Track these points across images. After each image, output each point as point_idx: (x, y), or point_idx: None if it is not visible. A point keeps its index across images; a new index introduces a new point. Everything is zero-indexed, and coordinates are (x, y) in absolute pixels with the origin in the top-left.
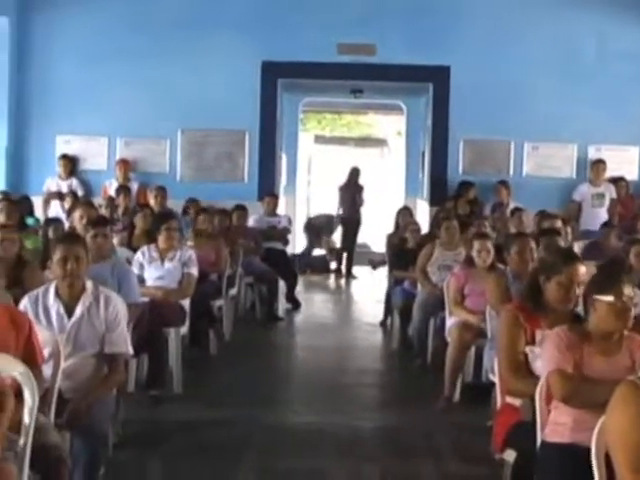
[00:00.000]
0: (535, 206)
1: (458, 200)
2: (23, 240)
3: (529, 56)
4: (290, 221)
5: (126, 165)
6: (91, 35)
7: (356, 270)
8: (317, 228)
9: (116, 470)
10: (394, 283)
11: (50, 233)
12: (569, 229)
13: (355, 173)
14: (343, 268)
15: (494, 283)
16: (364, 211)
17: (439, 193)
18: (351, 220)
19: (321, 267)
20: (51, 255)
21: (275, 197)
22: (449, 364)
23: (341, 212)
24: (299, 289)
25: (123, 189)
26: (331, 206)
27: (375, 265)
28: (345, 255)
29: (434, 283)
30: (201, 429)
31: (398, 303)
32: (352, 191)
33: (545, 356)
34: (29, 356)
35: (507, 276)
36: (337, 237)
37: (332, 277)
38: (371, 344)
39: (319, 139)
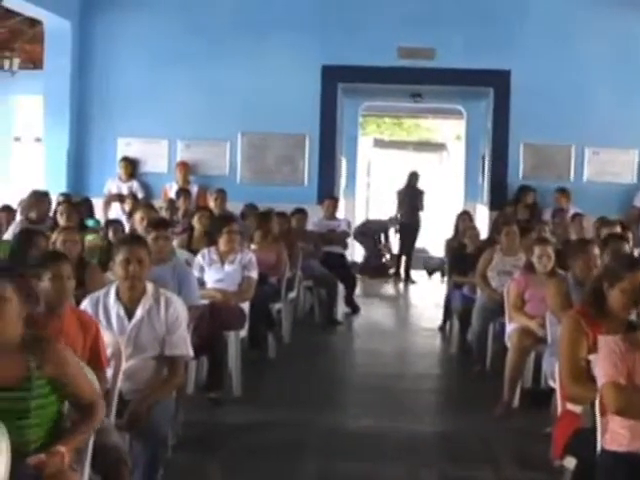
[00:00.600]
0: (595, 212)
1: (517, 205)
2: (84, 242)
3: (590, 60)
4: (349, 225)
5: (186, 168)
6: (152, 38)
7: (414, 274)
8: (371, 233)
9: (175, 472)
10: (453, 288)
11: (110, 235)
12: (630, 235)
13: (414, 177)
14: (402, 272)
15: (555, 289)
16: (424, 216)
17: (499, 198)
18: (410, 225)
19: (379, 271)
20: (113, 256)
21: (335, 200)
22: (508, 370)
23: (399, 216)
24: (358, 293)
25: (183, 192)
26: (389, 210)
27: (431, 271)
28: (404, 259)
29: (494, 288)
30: (260, 431)
31: (457, 308)
32: (411, 195)
33: (599, 367)
34: (94, 359)
35: (568, 282)
36: (394, 241)
37: (391, 281)
38: (430, 349)
39: (378, 143)
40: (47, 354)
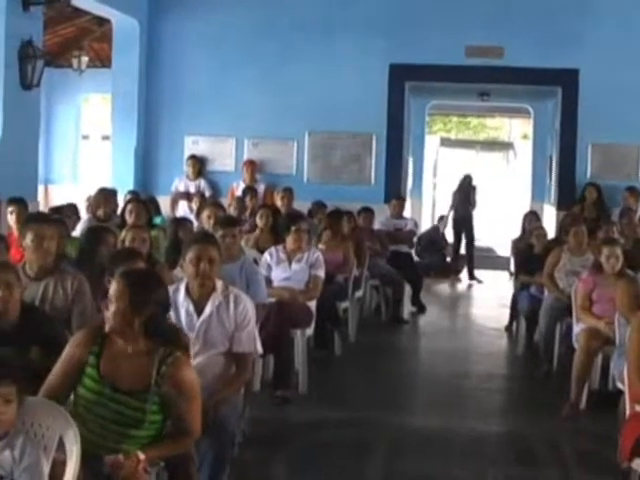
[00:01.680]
0: None
1: (584, 203)
2: (153, 240)
3: None
4: (416, 224)
5: (253, 166)
6: (219, 38)
7: (480, 274)
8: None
9: (241, 469)
10: (520, 288)
11: (180, 233)
12: None
13: (467, 180)
14: (465, 272)
15: (624, 289)
16: (477, 212)
17: (567, 198)
18: (463, 218)
19: (445, 271)
20: (183, 254)
21: (402, 200)
22: (576, 371)
23: (453, 211)
24: (423, 292)
25: (249, 190)
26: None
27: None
28: (463, 256)
29: (561, 288)
30: (326, 429)
31: (524, 308)
32: (465, 192)
33: None
34: None
35: (637, 283)
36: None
37: (456, 281)
38: (496, 349)
39: (445, 142)
40: (171, 373)
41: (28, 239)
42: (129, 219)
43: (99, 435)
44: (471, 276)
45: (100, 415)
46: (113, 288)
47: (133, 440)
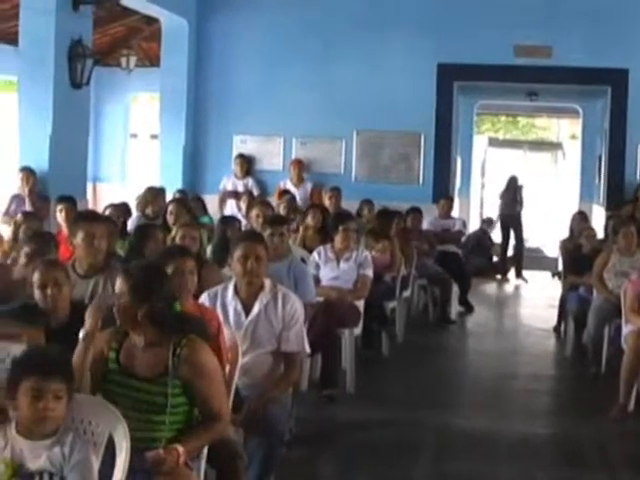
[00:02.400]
0: None
1: (636, 204)
2: (202, 238)
3: None
4: (464, 224)
5: (300, 165)
6: (268, 37)
7: (528, 275)
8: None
9: (289, 468)
10: (569, 289)
11: (229, 232)
12: None
13: (513, 182)
14: (513, 272)
15: None
16: (525, 211)
17: (616, 198)
18: (510, 216)
19: (492, 271)
20: (230, 253)
21: (450, 200)
22: (624, 372)
23: (500, 209)
24: (471, 292)
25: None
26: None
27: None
28: (512, 255)
29: (610, 289)
30: (373, 429)
31: (573, 309)
32: (512, 193)
33: None
34: (216, 355)
35: None
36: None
37: (503, 281)
38: (544, 350)
39: (493, 142)
40: (187, 355)
41: (79, 237)
42: (170, 220)
43: (131, 427)
44: (518, 275)
45: (125, 407)
46: (116, 286)
47: (162, 427)
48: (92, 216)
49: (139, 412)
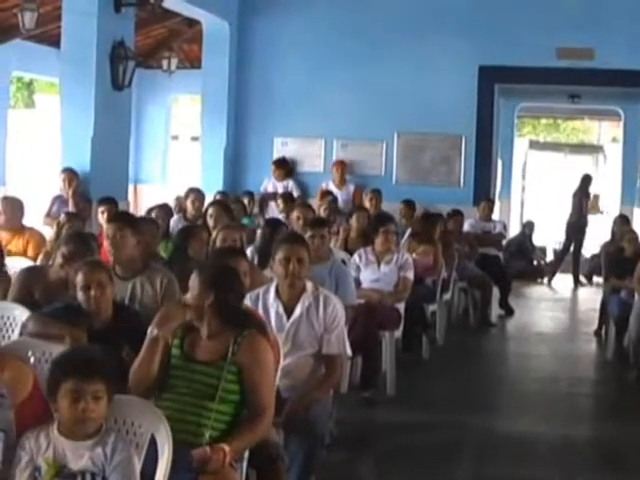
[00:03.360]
0: None
1: None
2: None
3: None
4: (505, 227)
5: (343, 167)
6: (309, 40)
7: (566, 278)
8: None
9: (329, 470)
10: (610, 292)
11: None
12: None
13: (587, 180)
14: (556, 275)
15: None
16: (590, 219)
17: None
18: (574, 225)
19: (534, 274)
20: (272, 255)
21: (491, 202)
22: None
23: (568, 218)
24: (512, 295)
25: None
26: (546, 212)
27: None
28: (569, 261)
29: None
30: (413, 432)
31: (614, 313)
32: (579, 197)
33: None
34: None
35: None
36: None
37: (544, 284)
38: (585, 353)
39: (534, 145)
40: (247, 343)
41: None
42: (210, 222)
43: (178, 416)
44: (576, 281)
45: (179, 392)
46: (190, 280)
47: (211, 414)
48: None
49: (191, 396)
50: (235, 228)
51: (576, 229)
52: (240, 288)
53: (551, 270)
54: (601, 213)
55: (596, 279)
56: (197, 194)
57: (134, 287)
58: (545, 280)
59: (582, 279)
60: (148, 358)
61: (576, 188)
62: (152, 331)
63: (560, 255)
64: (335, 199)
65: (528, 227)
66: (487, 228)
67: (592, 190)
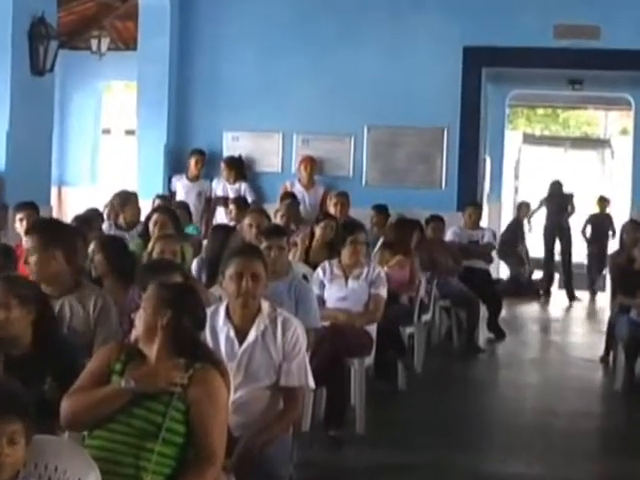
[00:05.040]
0: None
1: None
2: (185, 252)
3: None
4: (495, 235)
5: (312, 164)
6: (267, 19)
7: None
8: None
9: None
10: (618, 311)
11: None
12: None
13: (557, 187)
14: (553, 290)
15: None
16: (572, 220)
17: None
18: (559, 229)
19: (527, 291)
20: (221, 269)
21: (478, 207)
22: None
23: (545, 222)
24: (503, 315)
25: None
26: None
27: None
28: (559, 274)
29: None
30: (387, 476)
31: (623, 335)
32: (557, 200)
33: None
34: None
35: None
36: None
37: (541, 302)
38: (589, 383)
39: (528, 139)
40: (199, 377)
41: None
42: (153, 230)
43: (113, 458)
44: (571, 296)
45: (115, 429)
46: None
47: (153, 457)
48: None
49: (130, 435)
50: (175, 238)
51: (560, 233)
52: (201, 314)
53: (545, 284)
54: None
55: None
56: (127, 198)
57: (62, 308)
58: (547, 296)
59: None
60: (105, 407)
61: (543, 198)
62: (128, 382)
63: (546, 265)
64: (296, 202)
65: (523, 211)
66: (474, 237)
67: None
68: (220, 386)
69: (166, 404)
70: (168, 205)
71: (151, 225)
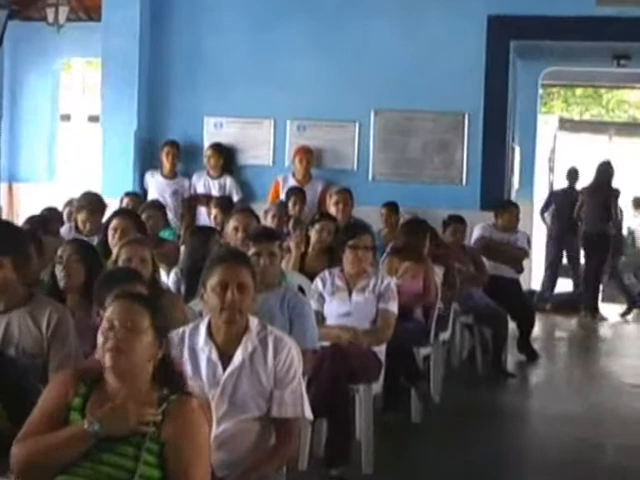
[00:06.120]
0: None
1: None
2: (157, 261)
3: None
4: (529, 241)
5: (308, 155)
6: None
7: (614, 308)
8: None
9: None
10: None
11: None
12: None
13: (606, 170)
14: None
15: None
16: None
17: None
18: (596, 235)
19: (566, 303)
20: (202, 279)
21: (515, 208)
22: None
23: (582, 224)
24: (536, 334)
25: (295, 193)
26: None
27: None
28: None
29: None
30: None
31: None
32: (602, 196)
33: None
34: None
35: None
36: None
37: (581, 317)
38: (637, 412)
39: (566, 124)
40: (175, 411)
41: None
42: (112, 239)
43: None
44: (594, 311)
45: (83, 475)
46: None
47: None
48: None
49: None
50: (144, 243)
51: (599, 240)
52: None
53: (590, 298)
54: None
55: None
56: (94, 200)
57: (9, 324)
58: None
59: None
60: (65, 454)
61: (590, 182)
62: (92, 425)
63: (586, 279)
64: (302, 196)
65: (571, 177)
66: (505, 241)
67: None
68: (199, 419)
69: (137, 446)
70: (137, 205)
71: (110, 232)
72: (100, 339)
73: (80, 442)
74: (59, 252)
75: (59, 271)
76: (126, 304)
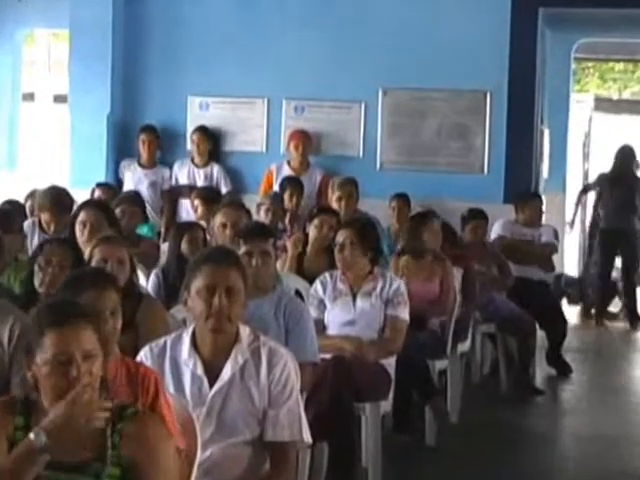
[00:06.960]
0: None
1: None
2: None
3: None
4: (557, 234)
5: (304, 140)
6: None
7: None
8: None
9: None
10: None
11: (185, 247)
12: None
13: (629, 156)
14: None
15: None
16: None
17: None
18: (616, 232)
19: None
20: (185, 282)
21: (538, 201)
22: None
23: (601, 220)
24: (568, 344)
25: (291, 183)
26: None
27: None
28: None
29: None
30: None
31: None
32: (625, 187)
33: None
34: None
35: None
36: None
37: (621, 323)
38: None
39: (602, 104)
40: (133, 428)
41: None
42: (80, 235)
43: None
44: (633, 319)
45: None
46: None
47: None
48: None
49: None
50: (120, 242)
51: (624, 238)
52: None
53: (629, 303)
54: None
55: None
56: (59, 195)
57: None
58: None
59: None
60: (21, 476)
61: (610, 170)
62: (39, 437)
63: (603, 277)
64: (300, 188)
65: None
66: (528, 237)
67: None
68: (162, 434)
69: (97, 474)
70: (110, 198)
71: (78, 227)
72: None
73: (30, 458)
74: (44, 255)
75: (43, 276)
76: None
